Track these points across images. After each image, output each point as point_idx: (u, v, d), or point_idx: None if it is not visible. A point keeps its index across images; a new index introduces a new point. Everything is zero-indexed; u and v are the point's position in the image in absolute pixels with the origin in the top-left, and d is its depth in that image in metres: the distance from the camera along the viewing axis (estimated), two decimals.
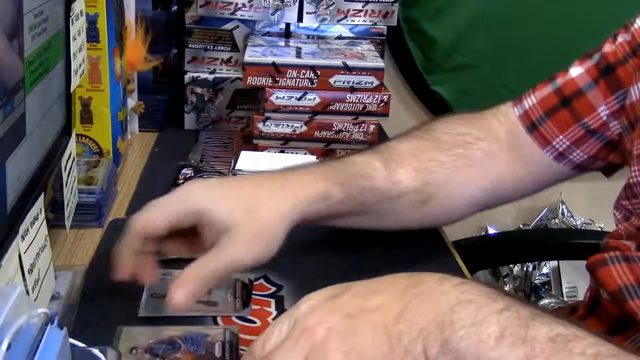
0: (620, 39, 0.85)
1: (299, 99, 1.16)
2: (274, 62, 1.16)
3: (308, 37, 1.37)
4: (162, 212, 0.72)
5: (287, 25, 1.36)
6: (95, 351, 0.52)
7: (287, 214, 0.74)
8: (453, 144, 0.88)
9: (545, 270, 1.81)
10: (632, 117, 0.80)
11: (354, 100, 1.17)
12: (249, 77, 1.16)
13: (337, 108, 1.17)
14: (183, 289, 0.67)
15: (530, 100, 0.90)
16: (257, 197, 0.73)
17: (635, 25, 0.83)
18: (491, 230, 1.87)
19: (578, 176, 0.90)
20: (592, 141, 0.86)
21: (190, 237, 0.75)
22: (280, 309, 0.79)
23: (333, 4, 1.34)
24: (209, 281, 0.69)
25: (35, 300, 0.64)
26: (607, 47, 0.85)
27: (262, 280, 0.83)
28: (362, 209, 0.83)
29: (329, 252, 0.94)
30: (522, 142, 0.89)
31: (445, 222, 0.94)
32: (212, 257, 0.70)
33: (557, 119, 0.87)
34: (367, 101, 1.17)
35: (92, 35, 1.02)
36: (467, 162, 0.88)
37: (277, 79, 1.16)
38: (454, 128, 0.90)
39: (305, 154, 1.17)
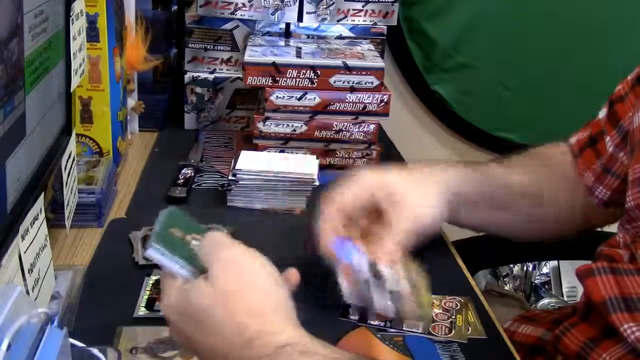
0: (629, 77, 0.88)
1: (299, 99, 1.16)
2: (274, 61, 1.16)
3: (308, 37, 1.37)
4: (359, 189, 0.82)
5: (287, 25, 1.36)
6: (95, 351, 0.52)
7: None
8: (544, 157, 0.97)
9: (545, 270, 1.81)
10: (633, 143, 0.82)
11: (354, 100, 1.17)
12: (249, 77, 1.16)
13: (337, 108, 1.17)
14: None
15: (573, 139, 0.97)
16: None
17: None
18: None
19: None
20: (609, 178, 0.89)
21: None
22: None
23: (333, 3, 1.34)
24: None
25: (35, 300, 0.64)
26: (618, 86, 0.90)
27: None
28: (489, 201, 0.92)
29: None
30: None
31: (559, 231, 0.98)
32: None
33: (585, 156, 0.93)
34: (367, 101, 1.17)
35: (92, 35, 1.02)
36: (560, 174, 0.95)
37: (277, 78, 1.16)
38: (540, 150, 0.99)
39: (305, 153, 1.17)
